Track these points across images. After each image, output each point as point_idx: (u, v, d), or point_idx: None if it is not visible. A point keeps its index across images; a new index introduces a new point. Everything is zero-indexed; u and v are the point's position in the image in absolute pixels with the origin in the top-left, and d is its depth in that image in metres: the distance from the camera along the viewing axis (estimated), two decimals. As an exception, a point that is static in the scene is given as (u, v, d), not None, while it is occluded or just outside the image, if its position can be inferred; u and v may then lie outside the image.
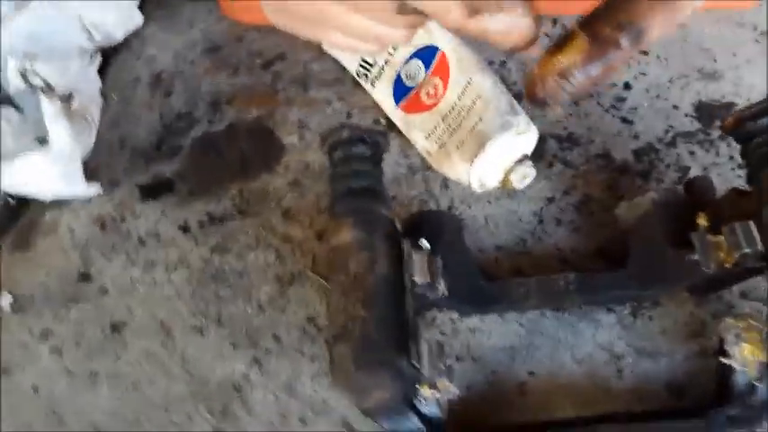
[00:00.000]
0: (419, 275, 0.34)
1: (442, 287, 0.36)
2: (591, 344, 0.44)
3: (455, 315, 0.45)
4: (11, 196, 0.53)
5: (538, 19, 0.28)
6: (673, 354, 0.43)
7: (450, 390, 0.35)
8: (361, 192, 0.36)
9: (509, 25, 0.27)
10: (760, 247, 0.37)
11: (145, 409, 0.42)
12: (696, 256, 0.39)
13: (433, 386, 0.35)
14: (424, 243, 0.37)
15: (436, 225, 0.41)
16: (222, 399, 0.42)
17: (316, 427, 0.40)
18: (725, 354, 0.38)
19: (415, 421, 0.36)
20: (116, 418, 0.42)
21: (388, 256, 0.34)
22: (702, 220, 0.40)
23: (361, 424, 0.41)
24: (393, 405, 0.34)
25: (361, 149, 0.37)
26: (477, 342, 0.44)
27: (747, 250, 0.37)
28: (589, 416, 0.40)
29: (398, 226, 0.38)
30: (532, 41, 0.29)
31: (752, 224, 0.37)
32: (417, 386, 0.34)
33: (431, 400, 0.36)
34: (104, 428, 0.41)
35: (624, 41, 0.27)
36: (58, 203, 0.52)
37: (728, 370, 0.38)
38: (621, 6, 0.28)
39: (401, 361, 0.32)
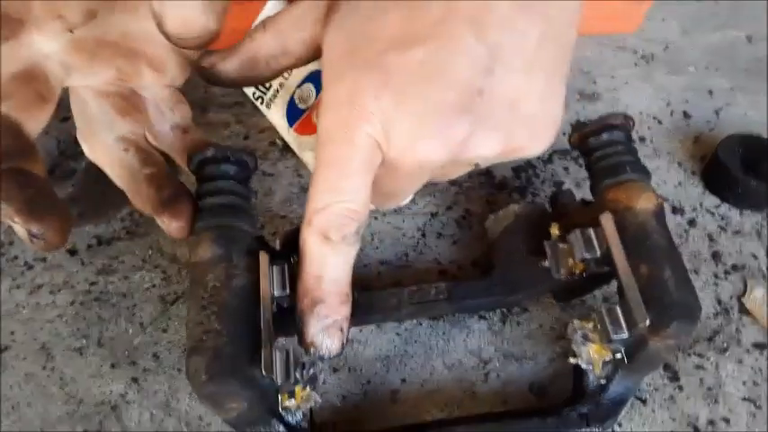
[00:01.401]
0: (278, 288, 0.36)
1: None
2: (462, 350, 0.46)
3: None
4: None
5: (218, 21, 0.31)
6: (536, 356, 0.46)
7: (311, 398, 0.37)
8: (222, 208, 0.37)
9: (186, 18, 0.30)
10: (598, 253, 0.39)
11: (22, 430, 0.42)
12: (548, 263, 0.42)
13: (291, 394, 0.36)
14: (295, 257, 0.38)
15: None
16: (98, 419, 0.42)
17: (190, 442, 0.41)
18: (574, 354, 0.40)
19: (281, 429, 0.37)
20: (-10, 441, 0.42)
21: (247, 270, 0.36)
22: (555, 230, 0.43)
23: (234, 438, 0.42)
24: (253, 415, 0.35)
25: (226, 168, 0.38)
26: (354, 353, 0.46)
27: (587, 255, 0.40)
28: (450, 418, 0.42)
29: (277, 244, 0.39)
30: (205, 42, 0.31)
31: (591, 231, 0.40)
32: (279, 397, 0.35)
33: (292, 408, 0.37)
34: (-22, 452, 0.41)
35: None
36: (-55, 229, 0.52)
37: (581, 370, 0.41)
38: None
39: (253, 371, 0.33)
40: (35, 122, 0.34)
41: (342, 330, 0.35)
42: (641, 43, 0.68)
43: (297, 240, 0.36)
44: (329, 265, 0.34)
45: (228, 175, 0.38)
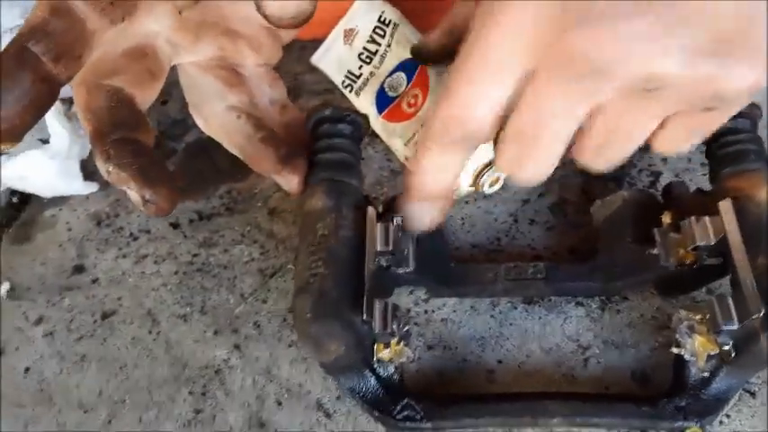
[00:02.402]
0: (381, 243, 0.37)
1: (408, 260, 0.38)
2: (559, 335, 0.45)
3: (428, 306, 0.47)
4: (13, 195, 0.56)
5: (313, 2, 0.32)
6: (638, 345, 0.45)
7: (404, 353, 0.38)
8: (335, 164, 0.39)
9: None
10: (713, 241, 0.38)
11: (129, 389, 0.44)
12: (656, 251, 0.41)
13: (386, 346, 0.37)
14: (398, 219, 0.39)
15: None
16: (203, 381, 0.44)
17: (291, 408, 0.42)
18: (678, 344, 0.39)
19: (372, 382, 0.38)
20: (101, 397, 0.44)
21: (354, 222, 0.37)
22: (667, 218, 0.42)
23: (333, 404, 0.42)
24: (349, 360, 0.37)
25: (341, 127, 0.39)
26: (448, 332, 0.46)
27: (701, 243, 0.38)
28: (547, 392, 0.42)
29: (378, 208, 0.40)
30: (301, 22, 0.33)
31: (707, 219, 0.39)
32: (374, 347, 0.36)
33: (385, 360, 0.38)
34: (90, 407, 0.43)
35: None
36: (57, 202, 0.55)
37: (684, 361, 0.40)
38: None
39: (354, 317, 0.35)
40: (146, 97, 0.36)
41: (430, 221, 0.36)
42: None
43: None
44: (425, 164, 0.34)
45: (342, 134, 0.40)
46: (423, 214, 0.37)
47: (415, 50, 0.41)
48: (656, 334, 0.45)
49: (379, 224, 0.39)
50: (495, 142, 0.34)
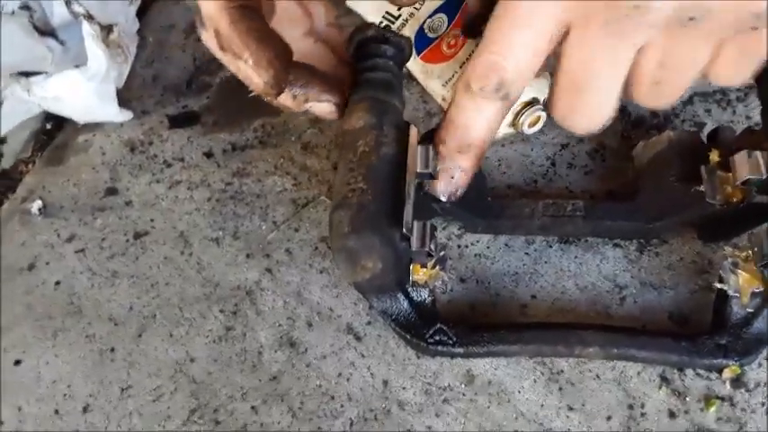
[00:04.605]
0: (421, 164, 0.36)
1: None
2: (595, 274, 0.44)
3: (462, 241, 0.46)
4: (47, 121, 0.56)
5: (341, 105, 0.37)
6: (677, 287, 0.44)
7: (440, 276, 0.37)
8: (377, 83, 0.38)
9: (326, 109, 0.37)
10: (765, 174, 0.37)
11: (160, 306, 0.43)
12: (702, 188, 0.40)
13: (422, 266, 0.36)
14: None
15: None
16: (234, 301, 0.43)
17: (322, 330, 0.42)
18: (721, 280, 0.38)
19: (405, 305, 0.37)
20: (132, 312, 0.44)
21: (395, 140, 0.36)
22: (715, 156, 0.41)
23: (364, 328, 0.42)
24: (383, 281, 0.36)
25: (384, 48, 0.39)
26: (481, 267, 0.45)
27: (751, 177, 0.37)
28: (583, 323, 0.41)
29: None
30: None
31: (759, 153, 0.37)
32: (410, 268, 0.35)
33: (420, 283, 0.37)
34: (120, 321, 0.43)
35: None
36: (91, 128, 0.55)
37: (725, 299, 0.39)
38: None
39: (394, 231, 0.34)
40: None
41: (452, 178, 0.35)
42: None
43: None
44: (460, 111, 0.34)
45: (385, 55, 0.39)
46: (455, 165, 0.36)
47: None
48: (695, 277, 0.44)
49: (419, 146, 0.38)
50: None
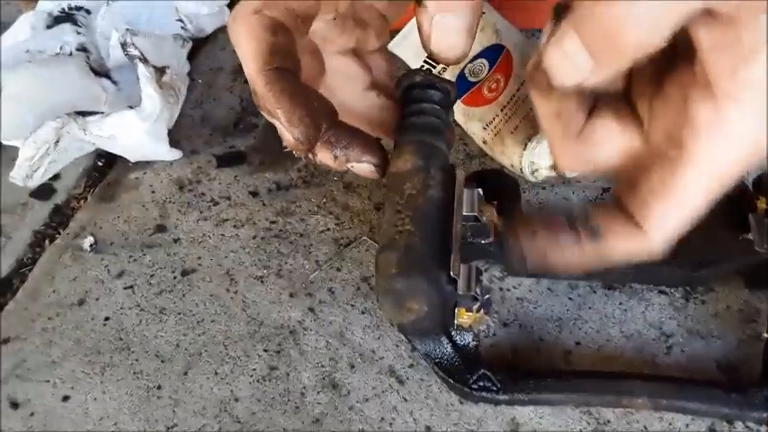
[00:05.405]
0: (467, 208, 0.36)
1: (488, 231, 0.38)
2: (641, 321, 0.44)
3: (504, 284, 0.46)
4: (99, 159, 0.58)
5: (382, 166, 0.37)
6: (725, 336, 0.43)
7: (485, 321, 0.37)
8: (424, 127, 0.38)
9: (366, 169, 0.37)
10: (814, 227, 0.37)
11: (206, 343, 0.44)
12: (750, 236, 0.40)
13: (468, 310, 0.36)
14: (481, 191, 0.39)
15: (496, 183, 0.42)
16: (277, 340, 0.44)
17: (364, 372, 0.42)
18: (768, 329, 0.38)
19: (448, 348, 0.37)
20: (179, 349, 0.44)
21: (442, 183, 0.37)
22: (762, 204, 0.41)
23: (406, 372, 0.42)
24: (428, 324, 0.36)
25: (431, 93, 0.39)
26: (524, 311, 0.45)
27: (802, 226, 0.37)
28: (629, 372, 0.40)
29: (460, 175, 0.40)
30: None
31: (808, 201, 0.37)
32: (455, 311, 0.36)
33: (465, 326, 0.37)
34: (167, 358, 0.44)
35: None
36: (142, 165, 0.56)
37: (776, 349, 0.38)
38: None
39: (441, 274, 0.34)
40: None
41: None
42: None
43: (479, 180, 0.38)
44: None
45: (432, 100, 0.39)
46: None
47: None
48: (743, 326, 0.43)
49: (465, 189, 0.38)
50: None
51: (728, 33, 0.24)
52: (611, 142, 0.29)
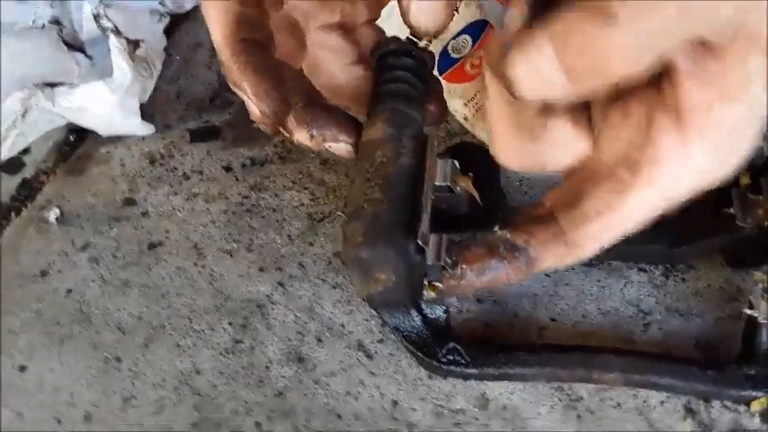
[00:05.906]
0: (440, 178, 0.35)
1: (462, 203, 0.37)
2: (618, 298, 0.43)
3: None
4: (71, 134, 0.57)
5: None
6: (704, 314, 0.42)
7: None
8: (397, 94, 0.37)
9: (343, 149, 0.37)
10: (796, 200, 0.36)
11: (169, 316, 0.43)
12: (732, 210, 0.39)
13: (437, 280, 0.35)
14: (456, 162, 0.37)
15: (475, 156, 0.41)
16: (244, 314, 0.43)
17: (332, 346, 0.41)
18: (751, 307, 0.37)
19: (418, 322, 0.36)
20: (141, 321, 0.43)
21: (413, 151, 0.35)
22: (745, 179, 0.40)
23: (375, 346, 0.40)
24: (396, 295, 0.35)
25: (405, 60, 0.38)
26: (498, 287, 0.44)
27: (783, 202, 0.36)
28: (602, 346, 0.39)
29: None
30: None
31: (790, 178, 0.36)
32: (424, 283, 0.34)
33: (435, 299, 0.36)
34: (128, 330, 0.43)
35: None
36: (113, 140, 0.55)
37: (755, 327, 0.37)
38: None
39: (409, 243, 0.32)
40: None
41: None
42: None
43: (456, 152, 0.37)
44: None
45: (406, 67, 0.38)
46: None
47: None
48: (724, 305, 0.42)
49: (439, 158, 0.37)
50: None
51: (714, 66, 0.22)
52: (564, 146, 0.27)
